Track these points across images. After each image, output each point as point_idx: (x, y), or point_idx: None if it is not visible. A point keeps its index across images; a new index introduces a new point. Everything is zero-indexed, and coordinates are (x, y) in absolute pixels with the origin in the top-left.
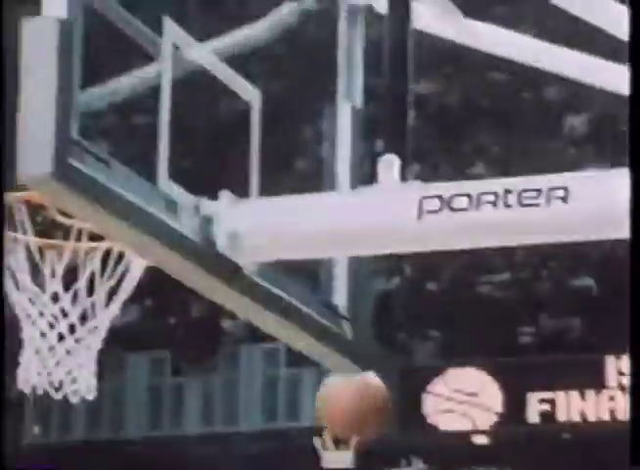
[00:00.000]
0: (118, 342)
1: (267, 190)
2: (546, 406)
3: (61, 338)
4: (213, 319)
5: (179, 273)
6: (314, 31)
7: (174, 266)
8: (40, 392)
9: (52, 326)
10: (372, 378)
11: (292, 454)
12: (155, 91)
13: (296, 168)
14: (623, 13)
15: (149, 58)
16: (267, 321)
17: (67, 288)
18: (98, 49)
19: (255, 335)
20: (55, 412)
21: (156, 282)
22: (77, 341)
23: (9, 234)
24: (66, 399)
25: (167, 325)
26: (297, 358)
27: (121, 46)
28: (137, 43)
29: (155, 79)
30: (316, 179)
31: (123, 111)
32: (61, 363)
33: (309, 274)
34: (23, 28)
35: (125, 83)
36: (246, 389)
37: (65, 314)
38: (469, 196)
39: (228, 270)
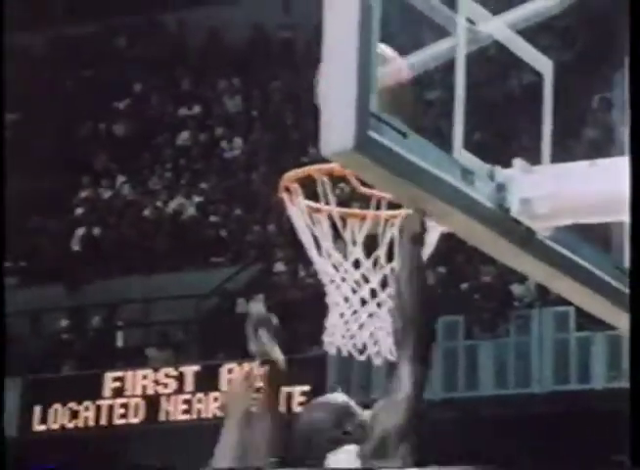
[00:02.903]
0: None
1: (558, 157)
2: None
3: (363, 302)
4: (504, 284)
5: (474, 239)
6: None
7: (469, 232)
8: (344, 354)
9: (354, 291)
10: None
11: (582, 416)
12: (447, 66)
13: (585, 136)
14: None
15: (441, 32)
16: (560, 285)
17: (368, 255)
18: (392, 25)
19: (546, 299)
20: (356, 373)
21: (450, 249)
22: (379, 305)
23: (312, 204)
24: (368, 360)
25: (460, 291)
26: (587, 322)
27: (414, 22)
28: (429, 18)
29: (448, 54)
30: (605, 146)
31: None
32: (364, 326)
33: (601, 238)
34: (326, 6)
35: (418, 59)
36: (537, 352)
37: (366, 280)
38: None
39: (522, 235)
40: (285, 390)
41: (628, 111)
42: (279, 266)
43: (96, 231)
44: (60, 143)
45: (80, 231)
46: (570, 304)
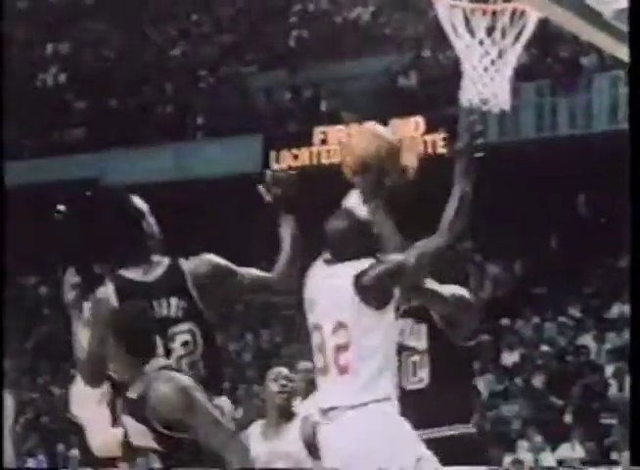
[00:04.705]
0: None
1: None
2: None
3: (485, 69)
4: (576, 57)
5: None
6: None
7: (563, 20)
8: (474, 104)
9: (480, 61)
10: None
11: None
12: None
13: None
14: None
15: None
16: (616, 49)
17: (488, 34)
18: None
19: (604, 66)
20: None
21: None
22: (496, 71)
23: (451, 2)
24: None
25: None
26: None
27: None
28: None
29: None
30: None
31: None
32: (486, 85)
33: None
34: None
35: None
36: (598, 103)
37: (487, 53)
38: None
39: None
40: (429, 137)
41: None
42: (426, 53)
43: (305, 34)
44: None
45: (295, 32)
46: (621, 68)
